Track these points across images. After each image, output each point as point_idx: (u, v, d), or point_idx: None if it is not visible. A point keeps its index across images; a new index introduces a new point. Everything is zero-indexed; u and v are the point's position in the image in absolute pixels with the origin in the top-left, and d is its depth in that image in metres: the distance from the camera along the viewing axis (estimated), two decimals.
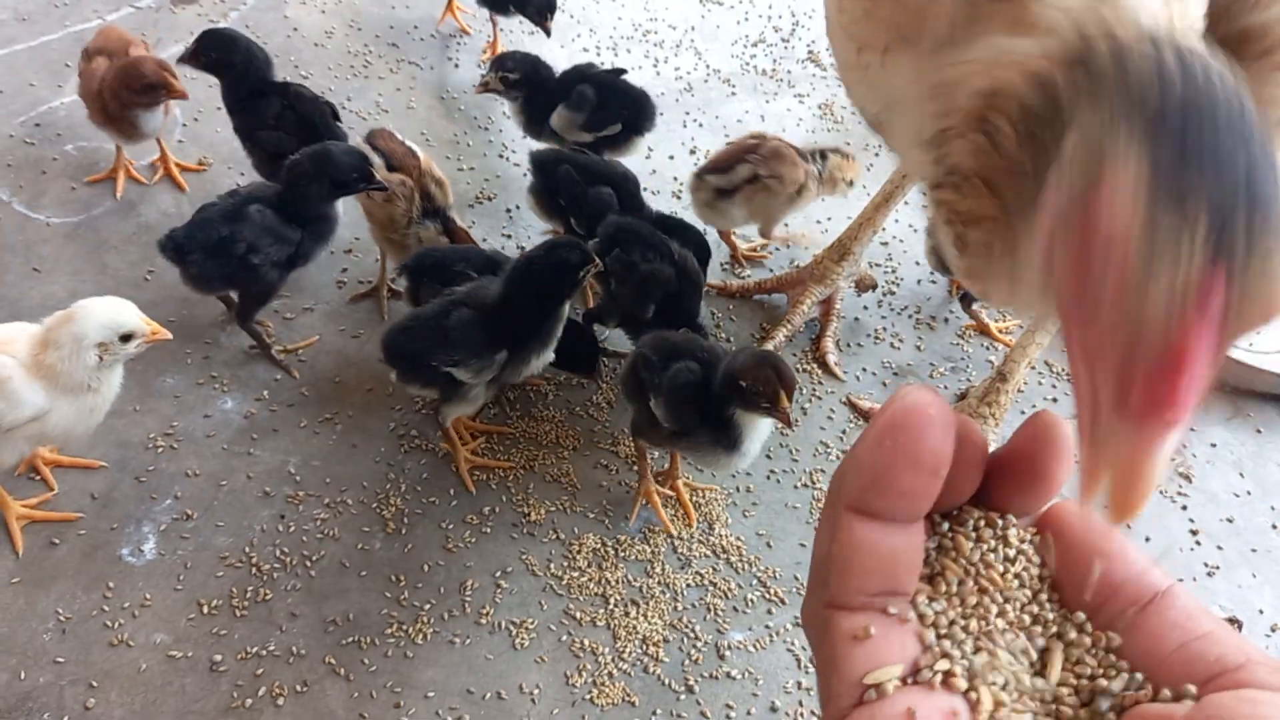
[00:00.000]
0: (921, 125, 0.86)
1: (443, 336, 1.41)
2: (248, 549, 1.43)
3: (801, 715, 1.37)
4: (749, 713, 1.36)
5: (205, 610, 1.36)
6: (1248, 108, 0.50)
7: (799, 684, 1.40)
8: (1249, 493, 1.73)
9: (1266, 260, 0.45)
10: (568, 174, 1.73)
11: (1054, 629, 0.46)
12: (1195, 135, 0.47)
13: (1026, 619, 0.46)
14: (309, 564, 1.43)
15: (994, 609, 0.47)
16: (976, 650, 0.45)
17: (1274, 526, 1.68)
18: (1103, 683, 0.44)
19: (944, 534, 0.48)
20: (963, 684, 0.44)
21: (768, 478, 1.64)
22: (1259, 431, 1.82)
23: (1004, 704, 0.43)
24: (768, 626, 1.46)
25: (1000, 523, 0.48)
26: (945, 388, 1.82)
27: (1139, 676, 0.43)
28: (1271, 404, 1.87)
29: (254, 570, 1.41)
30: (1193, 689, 0.41)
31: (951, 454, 0.45)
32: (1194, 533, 1.65)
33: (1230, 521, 1.68)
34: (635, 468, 1.59)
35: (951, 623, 0.46)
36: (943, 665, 0.44)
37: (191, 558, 1.42)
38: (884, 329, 1.91)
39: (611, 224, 1.63)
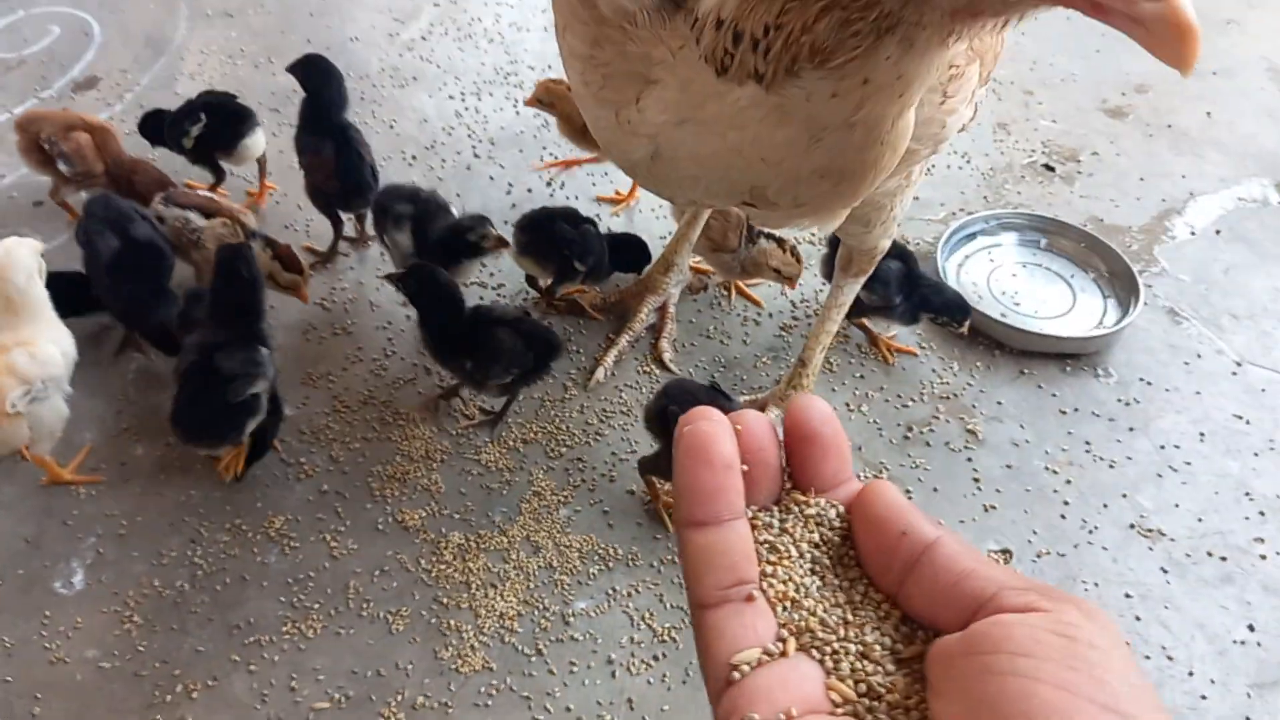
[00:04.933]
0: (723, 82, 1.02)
1: None
2: (162, 573, 1.70)
3: (633, 665, 1.64)
4: (589, 666, 1.64)
5: (128, 627, 1.63)
6: None
7: (632, 639, 1.68)
8: (1028, 442, 2.02)
9: None
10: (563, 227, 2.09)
11: (859, 589, 0.53)
12: None
13: (838, 583, 0.53)
14: (214, 580, 1.70)
15: (817, 582, 0.52)
16: (814, 621, 0.51)
17: (1046, 469, 1.97)
18: (897, 631, 0.51)
19: (766, 522, 0.54)
20: (812, 653, 0.50)
21: (613, 468, 1.91)
22: (1040, 387, 2.11)
23: (842, 665, 0.49)
24: (607, 594, 1.73)
25: (807, 502, 0.55)
26: (767, 375, 2.10)
27: (906, 628, 0.51)
28: (1053, 361, 2.16)
29: (168, 590, 1.68)
30: None
31: (736, 448, 0.52)
32: (976, 480, 1.94)
33: (1009, 468, 1.97)
34: (492, 469, 1.88)
35: (790, 598, 0.51)
36: (785, 636, 0.50)
37: (115, 584, 1.68)
38: (714, 328, 2.19)
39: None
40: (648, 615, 1.71)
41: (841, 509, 0.55)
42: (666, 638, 1.68)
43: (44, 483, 1.80)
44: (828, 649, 0.50)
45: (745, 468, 0.53)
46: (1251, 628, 1.72)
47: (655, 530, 1.83)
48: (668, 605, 1.72)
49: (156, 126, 2.31)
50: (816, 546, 0.53)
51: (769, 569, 0.52)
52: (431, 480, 1.87)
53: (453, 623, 1.68)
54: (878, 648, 0.49)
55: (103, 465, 1.85)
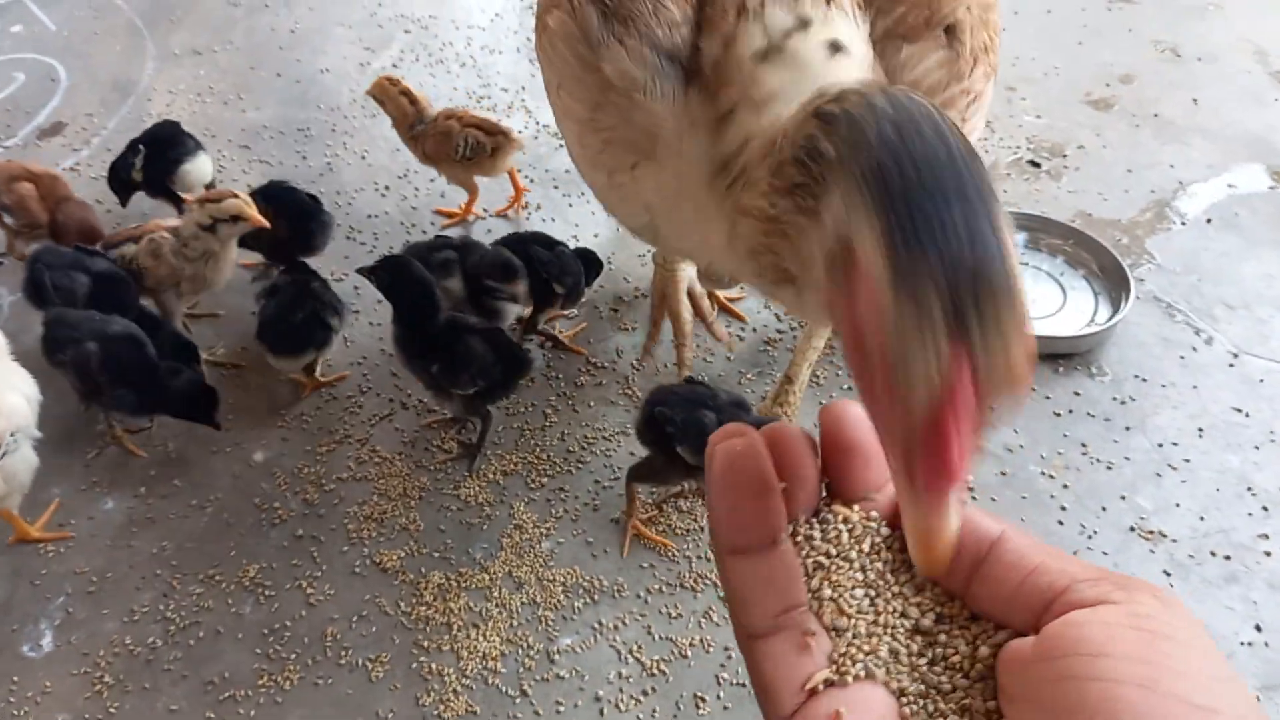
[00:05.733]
0: (709, 190, 0.96)
1: None
2: (133, 630, 1.65)
3: (622, 701, 1.59)
4: (576, 705, 1.59)
5: (99, 688, 1.58)
6: (959, 152, 0.52)
7: (619, 674, 1.62)
8: (1021, 446, 1.96)
9: (1000, 330, 0.47)
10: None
11: (920, 599, 0.50)
12: (920, 206, 0.49)
13: (893, 593, 0.50)
14: (187, 635, 1.65)
15: (870, 594, 0.50)
16: (872, 639, 0.49)
17: (1041, 473, 1.92)
18: (962, 640, 0.48)
19: (808, 536, 0.52)
20: (875, 672, 0.48)
21: (595, 496, 1.86)
22: (1032, 390, 2.06)
23: (905, 685, 0.47)
24: (593, 628, 1.68)
25: (849, 514, 0.52)
26: (752, 391, 2.05)
27: (988, 626, 0.48)
28: (1045, 362, 2.10)
29: (140, 647, 1.63)
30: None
31: (772, 466, 0.50)
32: (970, 488, 1.89)
33: (1003, 475, 1.92)
34: (473, 504, 1.83)
35: (845, 616, 0.49)
36: (845, 659, 0.48)
37: (85, 645, 1.63)
38: (697, 344, 2.14)
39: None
40: (635, 649, 1.65)
41: (878, 515, 0.53)
42: (655, 671, 1.63)
43: (11, 542, 1.76)
44: (891, 666, 0.48)
45: (783, 484, 0.51)
46: (1259, 628, 1.66)
47: (641, 559, 1.77)
48: (656, 637, 1.67)
49: None
50: (866, 557, 0.51)
51: (818, 587, 0.50)
52: (410, 519, 1.82)
53: (434, 666, 1.62)
54: (942, 658, 0.48)
55: (71, 521, 1.80)
